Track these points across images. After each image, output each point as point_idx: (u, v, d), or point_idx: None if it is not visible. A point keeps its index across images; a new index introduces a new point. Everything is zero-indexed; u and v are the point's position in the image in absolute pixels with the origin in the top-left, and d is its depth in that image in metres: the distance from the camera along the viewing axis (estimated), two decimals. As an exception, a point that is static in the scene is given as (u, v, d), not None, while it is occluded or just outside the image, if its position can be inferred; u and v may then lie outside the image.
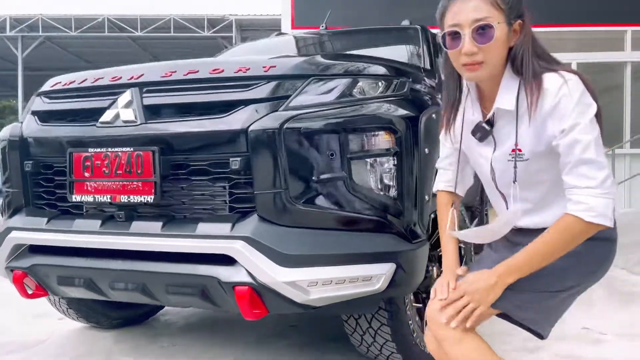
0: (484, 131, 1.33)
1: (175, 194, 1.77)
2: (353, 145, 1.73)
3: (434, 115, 1.99)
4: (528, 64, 1.24)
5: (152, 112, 1.80)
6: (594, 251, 1.32)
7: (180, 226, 1.72)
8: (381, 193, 1.76)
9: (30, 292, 2.01)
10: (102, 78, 1.96)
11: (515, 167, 1.28)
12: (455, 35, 1.25)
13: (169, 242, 1.70)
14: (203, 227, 1.68)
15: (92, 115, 1.88)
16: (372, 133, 1.76)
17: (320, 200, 1.70)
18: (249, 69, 1.81)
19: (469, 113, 1.38)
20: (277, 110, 1.71)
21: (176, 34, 16.79)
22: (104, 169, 1.78)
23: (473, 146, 1.39)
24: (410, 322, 2.01)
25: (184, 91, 1.83)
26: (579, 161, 1.20)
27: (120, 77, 1.92)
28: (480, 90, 1.36)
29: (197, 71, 1.85)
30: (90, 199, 1.81)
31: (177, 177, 1.76)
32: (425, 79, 2.53)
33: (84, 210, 1.89)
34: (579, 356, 2.37)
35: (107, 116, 1.82)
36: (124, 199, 1.76)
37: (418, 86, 2.18)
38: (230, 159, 1.69)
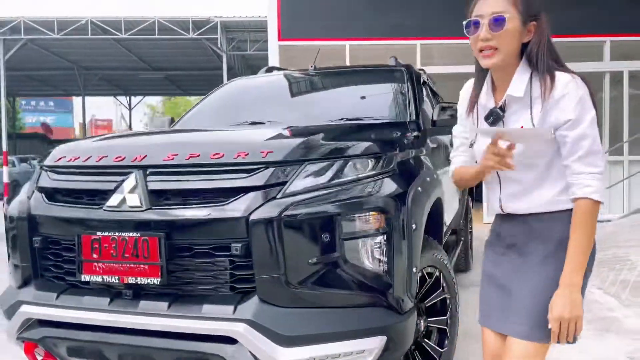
0: (497, 115, 1.54)
1: (180, 275, 1.89)
2: (346, 227, 1.87)
3: (419, 189, 2.13)
4: (543, 59, 1.47)
5: (157, 197, 1.91)
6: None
7: (185, 306, 1.84)
8: (372, 270, 1.90)
9: (40, 359, 2.12)
10: (106, 157, 2.06)
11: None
12: (476, 25, 1.49)
13: (175, 322, 1.82)
14: (207, 308, 1.81)
15: (98, 195, 1.99)
16: (364, 215, 1.89)
17: (317, 282, 1.83)
18: (247, 154, 1.93)
19: (483, 99, 1.59)
20: (275, 197, 1.84)
21: (161, 36, 16.69)
22: (112, 251, 1.89)
23: (482, 127, 1.57)
24: (399, 378, 2.16)
25: (187, 175, 1.94)
26: (589, 152, 1.43)
27: (124, 158, 2.03)
28: (493, 82, 1.58)
29: (199, 155, 1.95)
30: (98, 279, 1.92)
31: (182, 260, 1.88)
32: (411, 134, 2.68)
33: (92, 287, 2.00)
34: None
35: (113, 200, 1.92)
36: (131, 280, 1.88)
37: (404, 154, 2.32)
38: (232, 244, 1.81)
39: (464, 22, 1.53)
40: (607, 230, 6.76)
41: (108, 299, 1.92)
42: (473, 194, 5.99)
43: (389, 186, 2.00)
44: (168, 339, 1.86)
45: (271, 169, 1.90)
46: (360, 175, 2.00)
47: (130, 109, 31.10)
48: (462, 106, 1.71)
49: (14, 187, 18.60)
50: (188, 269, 1.88)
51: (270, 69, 4.22)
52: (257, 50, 17.37)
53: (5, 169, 17.18)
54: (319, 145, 2.02)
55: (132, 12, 18.65)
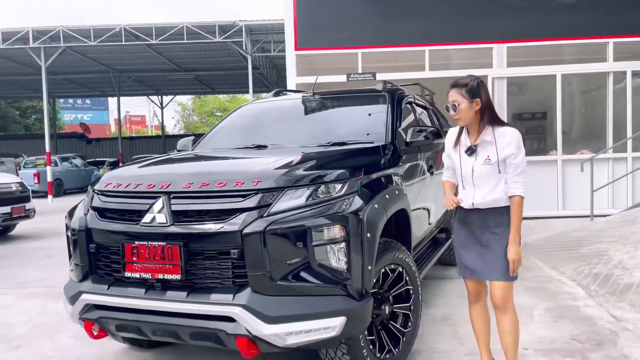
0: (472, 150, 2.74)
1: (195, 273, 2.59)
2: (315, 237, 2.54)
3: (376, 205, 2.79)
4: (493, 119, 2.72)
5: (178, 216, 2.62)
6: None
7: (199, 295, 2.55)
8: (336, 269, 2.57)
9: (95, 334, 2.87)
10: (141, 184, 2.79)
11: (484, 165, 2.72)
12: (448, 107, 2.74)
13: (191, 306, 2.53)
14: (214, 297, 2.51)
15: (136, 214, 2.71)
16: (329, 228, 2.56)
17: (294, 277, 2.52)
18: (243, 183, 2.62)
19: (463, 140, 2.79)
20: (262, 216, 2.53)
21: (189, 40, 17.57)
22: (146, 255, 2.62)
23: (463, 157, 2.78)
24: (364, 351, 2.82)
25: (199, 199, 2.65)
26: (522, 171, 2.66)
27: (154, 185, 2.75)
28: (468, 131, 2.77)
29: (208, 184, 2.66)
30: (137, 275, 2.65)
31: (196, 261, 2.58)
32: (382, 156, 3.33)
33: (132, 281, 2.73)
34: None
35: (147, 218, 2.65)
36: (160, 276, 2.60)
37: (369, 176, 2.97)
38: (231, 250, 2.51)
39: (445, 106, 2.78)
40: (596, 227, 7.21)
41: (144, 290, 2.65)
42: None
43: (350, 205, 2.66)
44: (187, 319, 2.57)
45: (260, 195, 2.59)
46: (328, 197, 2.67)
47: (162, 108, 32.30)
48: (449, 142, 2.88)
49: (57, 185, 19.92)
50: (200, 268, 2.59)
51: (277, 93, 4.90)
52: (281, 52, 18.01)
53: (49, 169, 18.44)
54: (296, 174, 2.69)
55: (163, 19, 19.60)
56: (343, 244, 2.59)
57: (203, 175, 2.76)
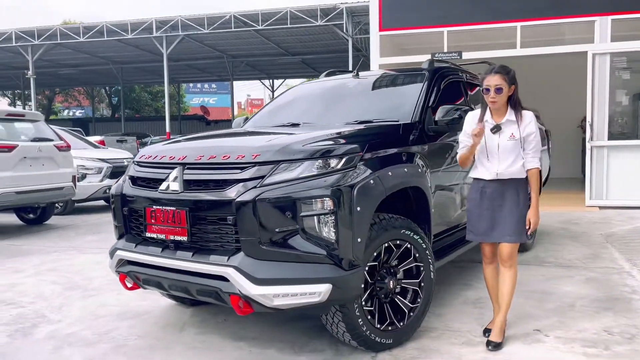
0: (498, 128, 3.11)
1: (199, 236, 2.89)
2: (303, 208, 2.70)
3: (371, 181, 2.87)
4: (519, 104, 3.14)
5: (188, 184, 2.93)
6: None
7: (201, 256, 2.84)
8: (323, 238, 2.71)
9: (129, 285, 3.30)
10: (165, 156, 3.14)
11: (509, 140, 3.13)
12: (487, 90, 3.06)
13: (195, 265, 2.83)
14: (213, 258, 2.79)
15: (157, 182, 3.07)
16: (317, 200, 2.71)
17: (282, 244, 2.71)
18: (244, 156, 2.86)
19: (488, 119, 3.15)
20: (255, 187, 2.74)
21: (292, 25, 18.16)
22: (161, 219, 2.97)
23: (488, 135, 3.12)
24: (360, 320, 2.95)
25: (207, 169, 2.93)
26: (538, 149, 3.13)
27: (174, 157, 3.08)
28: (492, 112, 3.15)
29: (215, 157, 2.93)
30: (154, 236, 3.02)
31: (200, 226, 2.88)
32: (402, 136, 3.38)
33: (153, 241, 3.10)
34: (510, 352, 3.10)
35: (163, 186, 2.99)
36: (172, 237, 2.94)
37: (376, 153, 3.05)
38: (227, 217, 2.76)
39: (481, 89, 3.14)
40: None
41: (160, 249, 3.00)
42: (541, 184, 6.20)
43: (342, 180, 2.78)
44: (193, 277, 2.87)
45: (257, 167, 2.80)
46: (322, 171, 2.81)
47: (272, 91, 33.69)
48: (468, 124, 3.19)
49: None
50: (204, 232, 2.88)
51: (329, 73, 5.06)
52: (381, 33, 17.92)
53: (167, 148, 20.22)
54: (294, 149, 2.86)
55: (268, 5, 20.35)
56: (331, 216, 2.72)
57: (215, 149, 3.03)
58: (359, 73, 4.55)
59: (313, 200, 2.71)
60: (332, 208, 2.71)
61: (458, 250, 3.90)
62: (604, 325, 3.45)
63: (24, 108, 34.96)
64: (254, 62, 27.00)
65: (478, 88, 4.82)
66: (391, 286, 3.14)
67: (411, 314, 3.23)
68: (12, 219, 9.03)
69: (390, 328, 3.12)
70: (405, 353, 3.10)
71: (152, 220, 3.02)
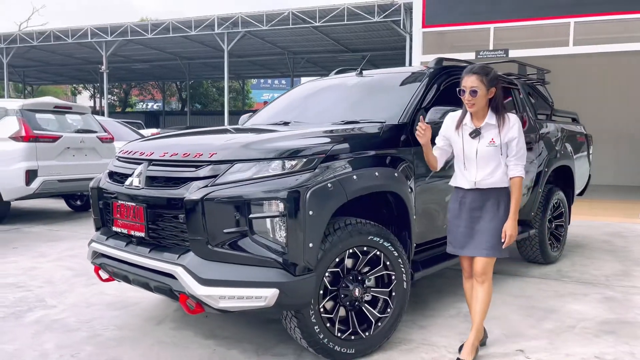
0: (477, 132, 2.88)
1: (156, 232, 2.90)
2: (253, 209, 2.64)
3: (329, 184, 2.75)
4: (501, 107, 2.88)
5: (150, 181, 2.95)
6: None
7: (157, 252, 2.85)
8: (272, 241, 2.64)
9: (104, 277, 3.38)
10: (137, 152, 3.18)
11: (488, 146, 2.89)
12: (463, 92, 2.84)
13: (149, 261, 2.85)
14: (165, 255, 2.79)
15: (124, 177, 3.11)
16: (266, 202, 2.63)
17: (229, 246, 2.66)
18: (201, 154, 2.83)
19: (467, 123, 2.92)
20: (207, 186, 2.71)
21: (349, 21, 18.03)
22: (124, 213, 3.00)
23: (466, 140, 2.91)
24: (317, 327, 2.84)
25: (167, 167, 2.93)
26: (522, 155, 2.89)
27: (144, 153, 3.11)
28: (472, 114, 2.90)
29: (177, 154, 2.92)
30: (119, 230, 3.06)
31: (156, 222, 2.88)
32: (382, 138, 3.24)
33: (120, 235, 3.15)
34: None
35: (128, 181, 3.03)
36: (132, 232, 2.97)
37: (345, 155, 2.93)
38: (179, 215, 2.75)
39: (457, 90, 2.90)
40: None
41: (125, 243, 3.05)
42: (572, 194, 5.79)
43: (295, 182, 2.68)
44: (151, 273, 2.89)
45: (211, 166, 2.77)
46: (276, 173, 2.73)
47: (335, 88, 33.68)
48: (448, 125, 3.00)
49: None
50: (160, 228, 2.88)
51: (338, 72, 4.94)
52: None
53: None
54: (248, 149, 2.81)
55: (325, 2, 20.32)
56: (280, 219, 2.63)
57: (179, 147, 3.03)
58: (363, 71, 4.40)
59: (262, 202, 2.64)
60: (282, 211, 2.63)
61: (445, 263, 3.67)
62: (598, 351, 3.14)
63: (101, 101, 37.08)
64: (315, 58, 27.08)
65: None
66: (357, 294, 3.01)
67: (379, 324, 3.08)
68: (61, 204, 9.59)
69: (353, 337, 2.99)
70: (366, 365, 2.96)
71: (117, 215, 3.07)
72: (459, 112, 3.01)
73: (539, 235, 5.08)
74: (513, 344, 3.25)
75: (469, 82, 2.82)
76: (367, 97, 4.06)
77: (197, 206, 2.66)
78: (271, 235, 2.65)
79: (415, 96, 3.68)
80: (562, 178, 5.67)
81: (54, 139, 7.69)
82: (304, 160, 2.79)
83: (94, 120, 8.77)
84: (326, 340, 2.88)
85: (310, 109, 4.15)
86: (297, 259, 2.65)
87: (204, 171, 2.77)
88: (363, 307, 3.06)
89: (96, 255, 3.31)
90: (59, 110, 8.26)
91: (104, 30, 22.10)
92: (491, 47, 8.91)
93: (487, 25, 8.93)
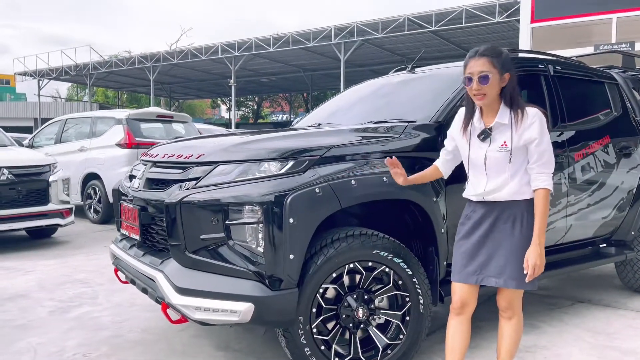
0: (486, 134, 2.24)
1: (149, 235, 2.81)
2: (230, 215, 2.42)
3: (317, 190, 2.43)
4: (516, 99, 2.20)
5: (146, 182, 2.87)
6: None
7: (147, 256, 2.76)
8: (249, 251, 2.40)
9: (123, 279, 3.38)
10: (150, 154, 3.13)
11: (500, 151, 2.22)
12: (470, 80, 2.18)
13: (141, 266, 2.76)
14: (152, 259, 2.68)
15: (133, 178, 3.08)
16: (244, 207, 2.40)
17: (205, 253, 2.47)
18: (191, 156, 2.68)
19: (476, 123, 2.28)
20: (188, 188, 2.54)
21: (467, 24, 17.12)
22: (126, 215, 2.96)
23: (474, 143, 2.28)
24: (307, 349, 2.53)
25: (163, 168, 2.83)
26: (547, 160, 2.19)
27: (153, 155, 3.06)
28: (482, 111, 2.27)
29: (173, 155, 2.81)
30: (124, 232, 3.03)
31: (148, 225, 2.79)
32: (404, 139, 2.85)
33: (127, 237, 3.12)
34: None
35: (133, 183, 2.98)
36: (132, 235, 2.91)
37: (335, 158, 2.60)
38: (163, 219, 2.62)
39: (462, 78, 2.25)
40: None
41: (129, 245, 3.00)
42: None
43: (277, 186, 2.41)
44: (145, 277, 2.80)
45: (196, 167, 2.60)
46: (260, 175, 2.48)
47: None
48: (455, 126, 2.40)
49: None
50: (151, 232, 2.78)
51: (399, 70, 4.54)
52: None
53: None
54: (233, 150, 2.59)
55: (441, 5, 19.39)
56: (256, 227, 2.38)
57: (179, 149, 2.91)
58: (415, 68, 3.98)
59: (240, 207, 2.41)
60: (259, 217, 2.38)
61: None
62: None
63: (236, 114, 39.55)
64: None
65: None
66: (360, 315, 2.63)
67: (388, 351, 2.68)
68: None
69: (353, 366, 2.62)
70: (365, 399, 2.57)
71: (123, 217, 3.05)
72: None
73: (642, 260, 4.18)
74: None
75: (476, 66, 2.16)
76: (407, 96, 3.64)
77: (175, 209, 2.51)
78: (248, 245, 2.41)
79: (454, 94, 3.18)
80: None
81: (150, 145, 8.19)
82: (292, 162, 2.51)
83: (194, 129, 9.22)
84: (317, 361, 2.55)
85: (349, 110, 3.83)
86: (275, 272, 2.38)
87: (190, 173, 2.62)
88: (370, 331, 2.68)
89: (114, 256, 3.33)
90: (162, 120, 8.81)
91: (232, 46, 23.54)
92: (614, 40, 7.75)
93: (609, 15, 7.79)
